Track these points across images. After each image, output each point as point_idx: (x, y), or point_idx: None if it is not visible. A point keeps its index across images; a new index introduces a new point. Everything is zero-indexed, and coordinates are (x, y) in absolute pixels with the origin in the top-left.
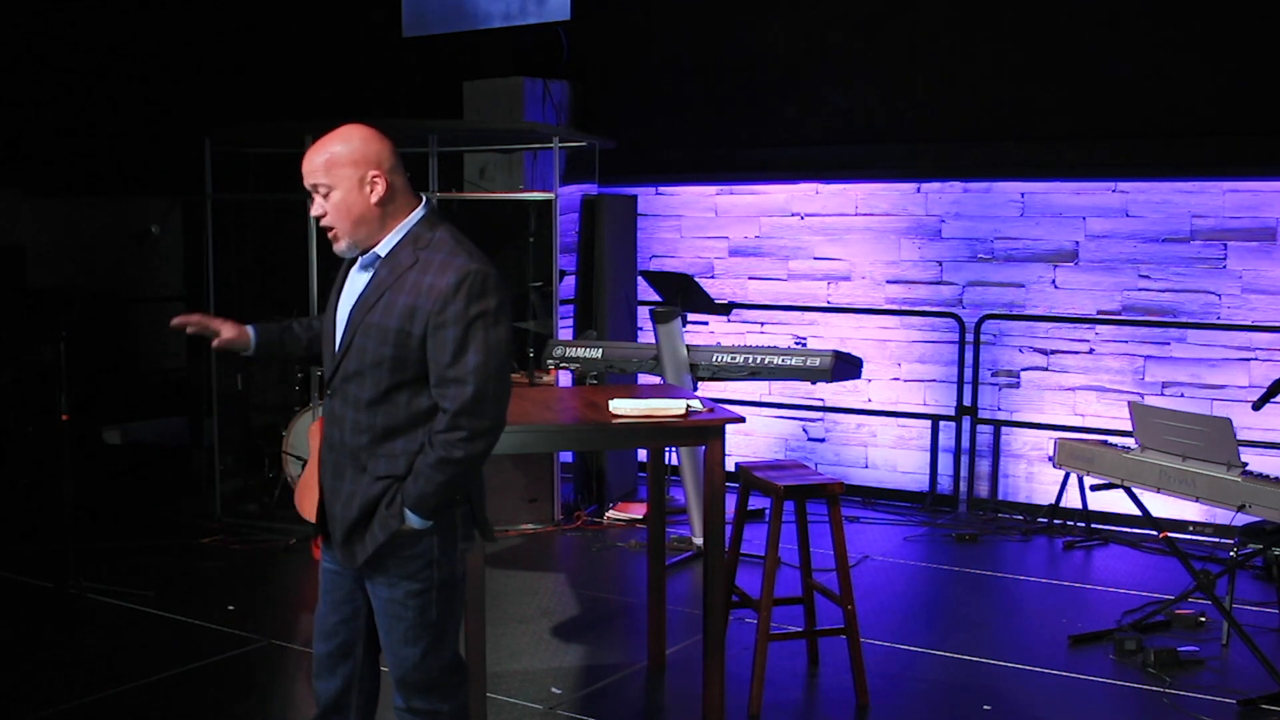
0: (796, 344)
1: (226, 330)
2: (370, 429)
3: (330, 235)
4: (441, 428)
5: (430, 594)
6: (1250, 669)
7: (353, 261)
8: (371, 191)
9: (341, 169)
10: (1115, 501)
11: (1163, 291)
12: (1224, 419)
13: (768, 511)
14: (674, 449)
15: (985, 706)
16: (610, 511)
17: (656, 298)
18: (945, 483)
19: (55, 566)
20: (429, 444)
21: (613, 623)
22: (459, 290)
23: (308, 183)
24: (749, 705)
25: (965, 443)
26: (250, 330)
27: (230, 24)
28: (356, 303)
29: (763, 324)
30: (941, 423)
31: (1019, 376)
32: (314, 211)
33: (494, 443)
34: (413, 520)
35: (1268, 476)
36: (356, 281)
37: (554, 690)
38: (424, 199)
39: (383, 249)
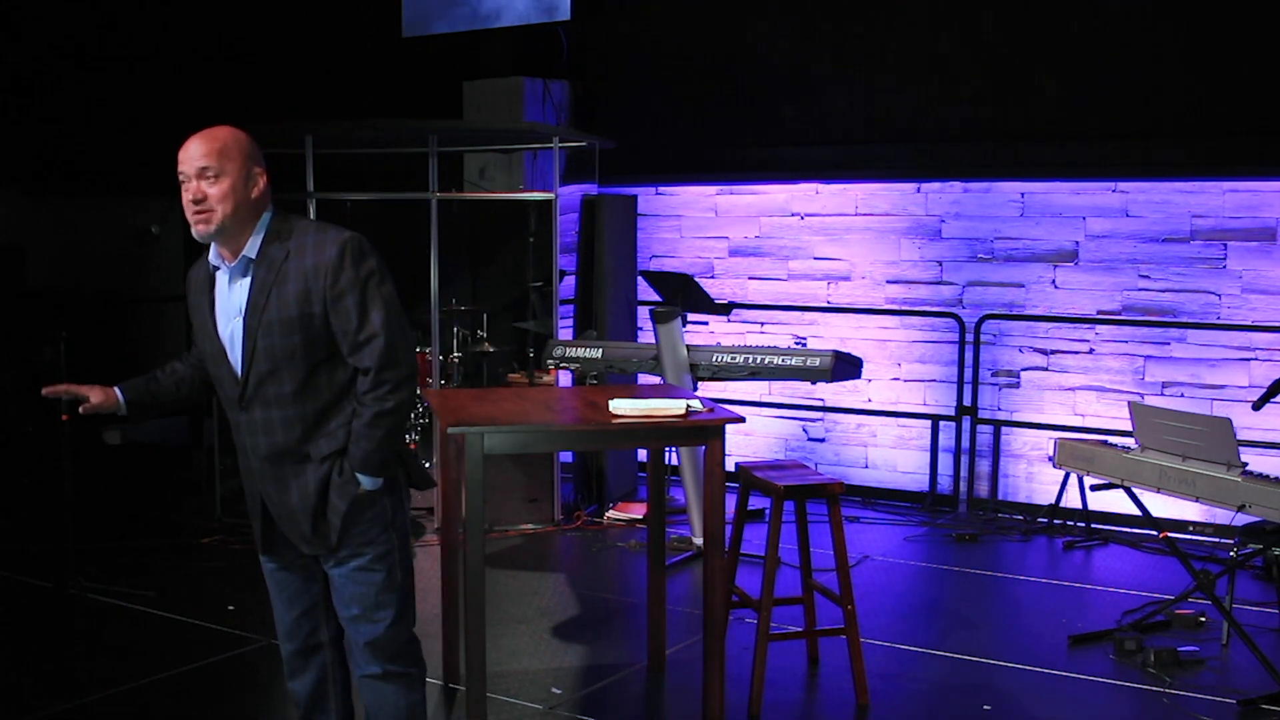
0: (796, 344)
1: (94, 395)
2: (301, 419)
3: (200, 219)
4: (366, 387)
5: (393, 555)
6: (1250, 669)
7: (208, 281)
8: (255, 186)
9: (233, 159)
10: (1115, 501)
11: (1163, 291)
12: (1224, 419)
13: (768, 511)
14: (674, 449)
15: (985, 706)
16: (610, 511)
17: (656, 298)
18: (945, 483)
19: (55, 566)
20: (359, 406)
21: (613, 623)
22: (343, 259)
23: (193, 166)
24: (749, 705)
25: (965, 443)
26: (117, 391)
27: (230, 24)
28: (247, 308)
29: (763, 324)
30: (941, 423)
31: (1019, 376)
32: (191, 195)
33: (415, 387)
34: (365, 481)
35: (1268, 476)
36: (231, 294)
37: (554, 690)
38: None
39: (250, 251)
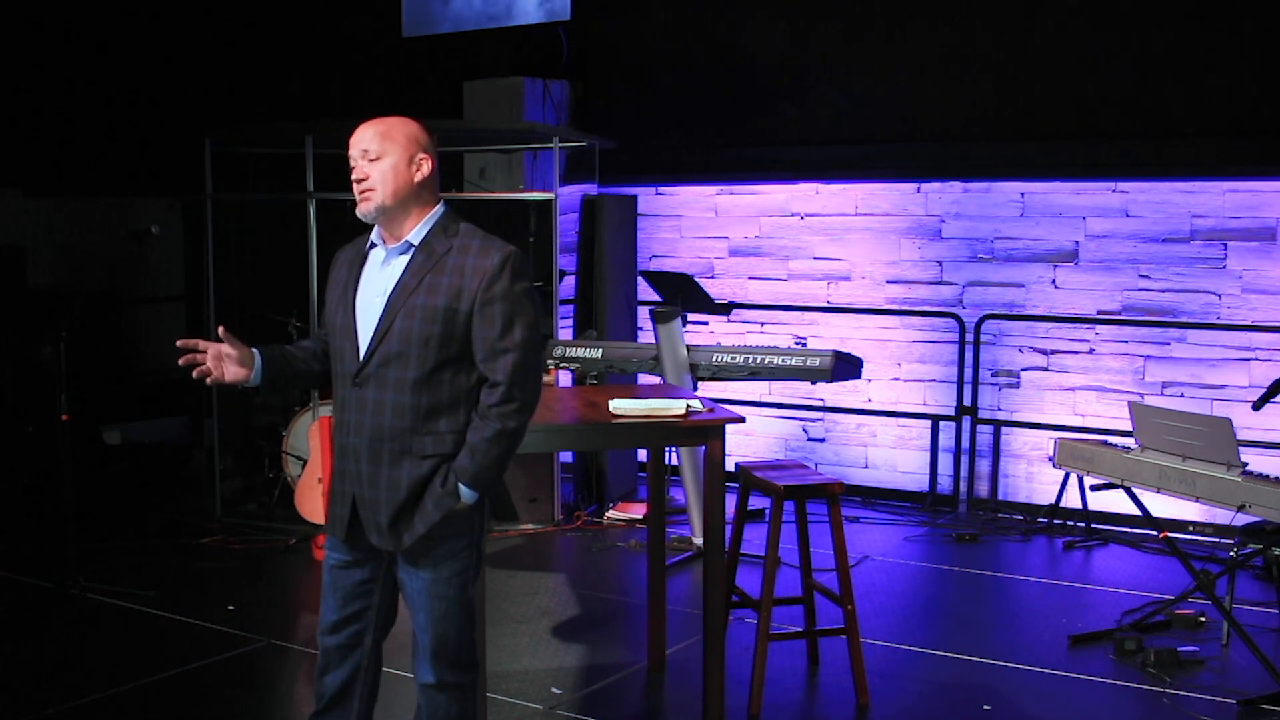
0: (796, 344)
1: (231, 357)
2: (415, 409)
3: (363, 196)
4: (495, 400)
5: (470, 572)
6: (1250, 669)
7: (359, 258)
8: (418, 170)
9: (395, 141)
10: (1115, 501)
11: (1163, 291)
12: (1224, 419)
13: (768, 511)
14: (674, 449)
15: (985, 706)
16: (610, 511)
17: (656, 298)
18: (945, 483)
19: (55, 566)
20: (481, 418)
21: (613, 623)
22: (503, 269)
23: (356, 149)
24: (749, 705)
25: (965, 443)
26: (255, 354)
27: (230, 24)
28: (396, 288)
29: (763, 324)
30: (941, 423)
31: (1019, 376)
32: (355, 175)
33: (533, 414)
34: (467, 495)
35: (1268, 476)
36: (384, 272)
37: (554, 690)
38: (442, 198)
39: (414, 237)
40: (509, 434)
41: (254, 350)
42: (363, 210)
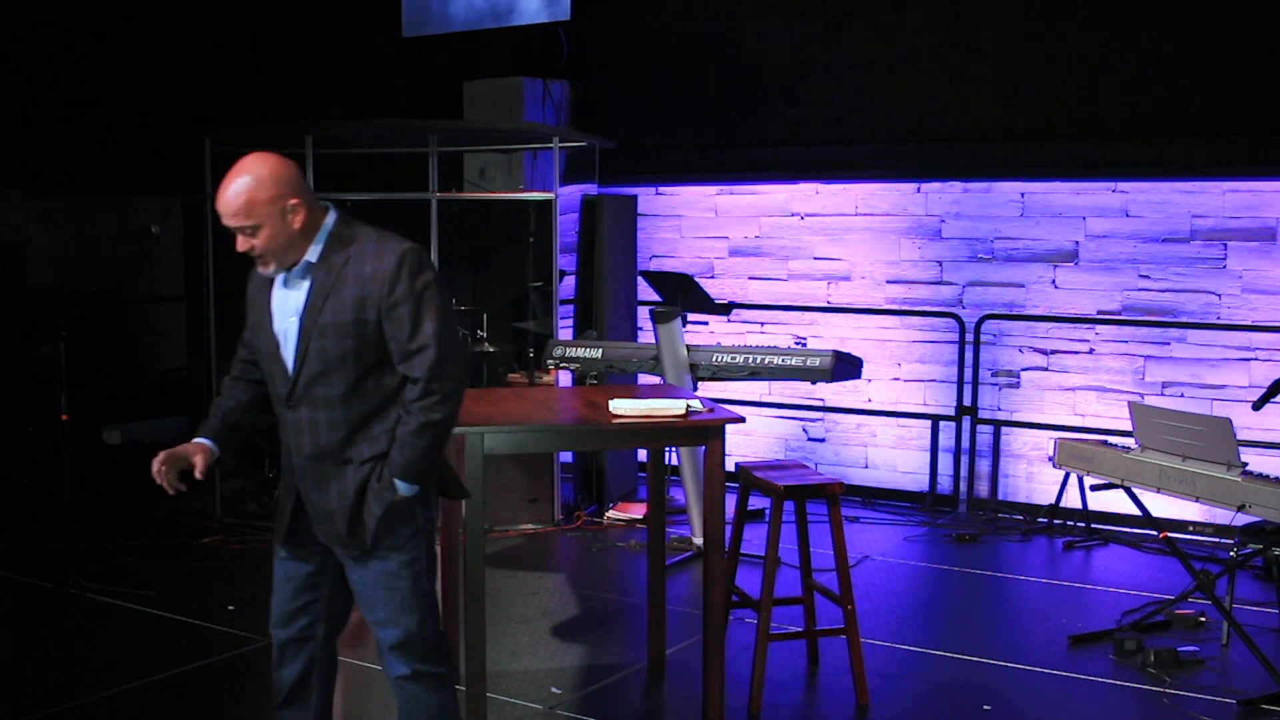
0: (796, 344)
1: (198, 461)
2: (348, 421)
3: (260, 264)
4: (416, 396)
5: (420, 562)
6: (1250, 669)
7: (266, 282)
8: (294, 219)
9: (261, 208)
10: (1115, 501)
11: (1163, 291)
12: (1224, 419)
13: (768, 511)
14: (674, 449)
15: (985, 706)
16: (610, 511)
17: (656, 298)
18: (945, 483)
19: (55, 566)
20: (406, 414)
21: (613, 623)
22: (401, 269)
23: (229, 224)
24: (749, 705)
25: (965, 443)
26: (208, 443)
27: (230, 24)
28: (304, 310)
29: (763, 324)
30: (941, 423)
31: (1019, 376)
32: (241, 248)
33: (461, 400)
34: (402, 488)
35: (1268, 476)
36: (289, 294)
37: (554, 690)
38: (330, 204)
39: (312, 256)
40: (434, 425)
41: (201, 441)
42: (267, 273)
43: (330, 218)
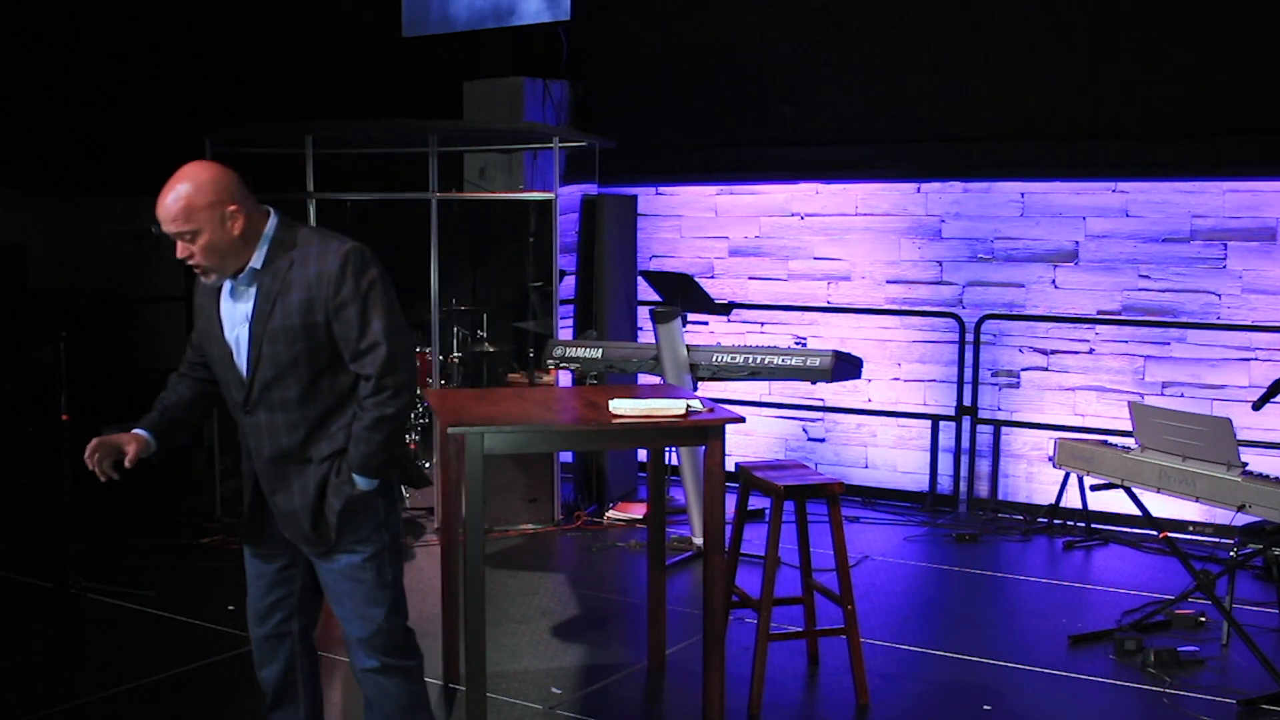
0: (796, 344)
1: (129, 449)
2: (304, 422)
3: (199, 272)
4: (369, 392)
5: (384, 555)
6: (1250, 669)
7: (214, 290)
8: (233, 225)
9: (200, 213)
10: (1115, 501)
11: (1163, 291)
12: (1224, 419)
13: (768, 511)
14: (674, 449)
15: (985, 706)
16: (610, 511)
17: (656, 298)
18: (945, 483)
19: (55, 566)
20: (360, 410)
21: (613, 623)
22: (345, 270)
23: (168, 230)
24: (749, 705)
25: (965, 443)
26: (144, 434)
27: (230, 24)
28: (252, 317)
29: (763, 324)
30: (941, 423)
31: (1019, 376)
32: (180, 255)
33: (414, 393)
34: (361, 483)
35: (1268, 476)
36: (237, 303)
37: (554, 690)
38: (270, 208)
39: (257, 262)
40: (389, 419)
41: (138, 431)
42: (208, 283)
43: (271, 222)
